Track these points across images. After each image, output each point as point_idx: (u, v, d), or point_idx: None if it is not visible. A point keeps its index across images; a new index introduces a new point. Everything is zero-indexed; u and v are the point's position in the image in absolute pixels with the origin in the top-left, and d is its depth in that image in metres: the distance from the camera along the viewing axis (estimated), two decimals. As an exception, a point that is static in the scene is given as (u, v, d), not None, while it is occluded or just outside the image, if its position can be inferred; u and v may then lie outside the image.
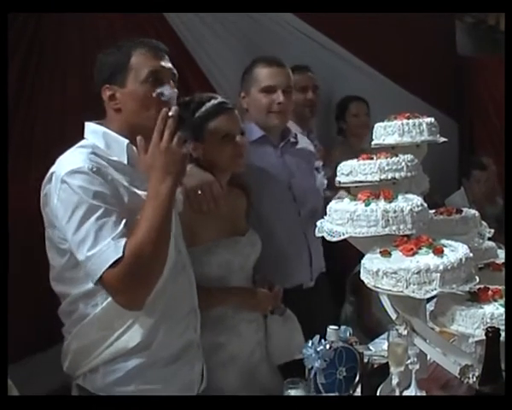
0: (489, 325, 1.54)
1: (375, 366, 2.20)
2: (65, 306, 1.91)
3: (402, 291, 1.60)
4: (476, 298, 1.66)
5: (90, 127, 1.94)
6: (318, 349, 2.00)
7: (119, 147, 1.90)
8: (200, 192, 2.18)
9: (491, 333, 1.43)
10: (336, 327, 2.06)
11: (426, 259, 1.63)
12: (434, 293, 1.59)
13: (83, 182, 1.75)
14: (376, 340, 2.45)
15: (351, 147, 3.88)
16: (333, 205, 1.89)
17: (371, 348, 2.35)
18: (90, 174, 1.77)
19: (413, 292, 1.59)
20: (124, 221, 1.77)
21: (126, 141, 1.90)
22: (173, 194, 1.82)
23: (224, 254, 2.29)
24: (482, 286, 1.70)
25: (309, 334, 2.10)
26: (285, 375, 2.13)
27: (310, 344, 2.03)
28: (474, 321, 1.58)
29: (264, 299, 2.37)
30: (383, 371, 1.98)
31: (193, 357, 2.06)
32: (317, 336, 2.04)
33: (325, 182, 3.01)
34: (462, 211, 2.18)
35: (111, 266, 1.71)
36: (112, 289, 1.76)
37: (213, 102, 2.35)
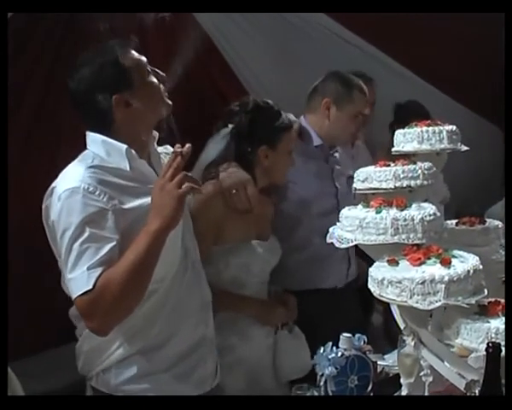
0: (493, 339, 1.50)
1: (390, 375, 2.17)
2: (74, 309, 1.91)
3: (406, 301, 1.57)
4: (484, 311, 1.61)
5: (91, 137, 1.94)
6: (330, 356, 1.99)
7: (118, 153, 1.89)
8: (234, 192, 2.24)
9: (492, 348, 1.39)
10: (349, 335, 2.04)
11: (432, 269, 1.59)
12: (439, 305, 1.54)
13: (75, 203, 1.78)
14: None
15: None
16: (344, 211, 1.87)
17: (386, 357, 2.31)
18: (84, 195, 1.79)
19: (417, 303, 1.55)
20: (109, 246, 1.77)
21: (125, 146, 1.89)
22: (160, 237, 1.77)
23: (245, 257, 2.31)
24: (493, 299, 1.65)
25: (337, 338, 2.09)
26: (296, 380, 2.12)
27: (321, 351, 2.02)
28: (479, 335, 1.54)
29: (279, 315, 2.38)
30: (397, 381, 1.95)
31: (205, 352, 2.07)
32: (330, 343, 2.02)
33: None
34: (485, 221, 2.13)
35: (82, 294, 1.74)
36: (81, 315, 1.81)
37: (285, 115, 2.45)
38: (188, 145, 1.78)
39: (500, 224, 2.12)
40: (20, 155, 2.57)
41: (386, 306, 3.21)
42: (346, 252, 2.74)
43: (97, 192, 1.81)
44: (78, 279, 1.75)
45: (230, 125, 2.40)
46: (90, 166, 1.86)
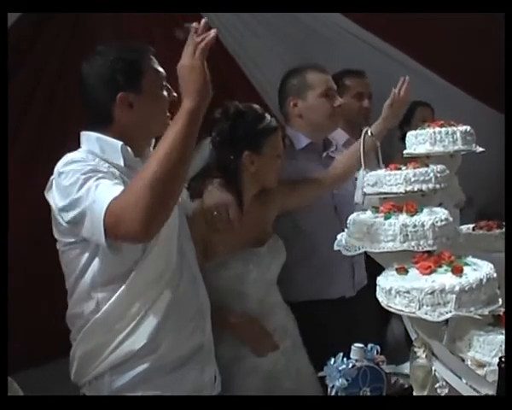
0: (507, 353, 1.41)
1: (406, 386, 2.08)
2: (71, 309, 1.93)
3: (414, 312, 1.49)
4: (499, 323, 1.52)
5: (85, 136, 1.93)
6: (340, 368, 1.91)
7: (113, 150, 1.87)
8: (216, 213, 2.17)
9: (504, 363, 1.31)
10: (361, 345, 1.96)
11: (442, 278, 1.50)
12: (449, 316, 1.46)
13: (79, 166, 1.76)
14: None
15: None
16: (353, 217, 1.80)
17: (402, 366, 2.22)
18: (85, 160, 1.79)
19: (426, 314, 1.47)
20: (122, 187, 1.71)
21: (120, 143, 1.87)
22: (194, 115, 1.66)
23: (238, 268, 2.24)
24: (509, 309, 1.57)
25: (348, 348, 2.01)
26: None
27: (332, 362, 1.94)
28: (492, 348, 1.45)
29: (261, 338, 2.28)
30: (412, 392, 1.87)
31: (202, 361, 2.02)
32: (340, 354, 1.95)
33: None
34: (503, 225, 2.04)
35: (113, 200, 1.65)
36: (117, 222, 1.64)
37: (269, 118, 2.34)
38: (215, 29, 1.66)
39: (519, 228, 2.03)
40: (26, 160, 2.55)
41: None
42: (350, 260, 2.66)
43: (98, 164, 1.82)
44: (105, 191, 1.67)
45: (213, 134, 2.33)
46: (88, 152, 1.86)
